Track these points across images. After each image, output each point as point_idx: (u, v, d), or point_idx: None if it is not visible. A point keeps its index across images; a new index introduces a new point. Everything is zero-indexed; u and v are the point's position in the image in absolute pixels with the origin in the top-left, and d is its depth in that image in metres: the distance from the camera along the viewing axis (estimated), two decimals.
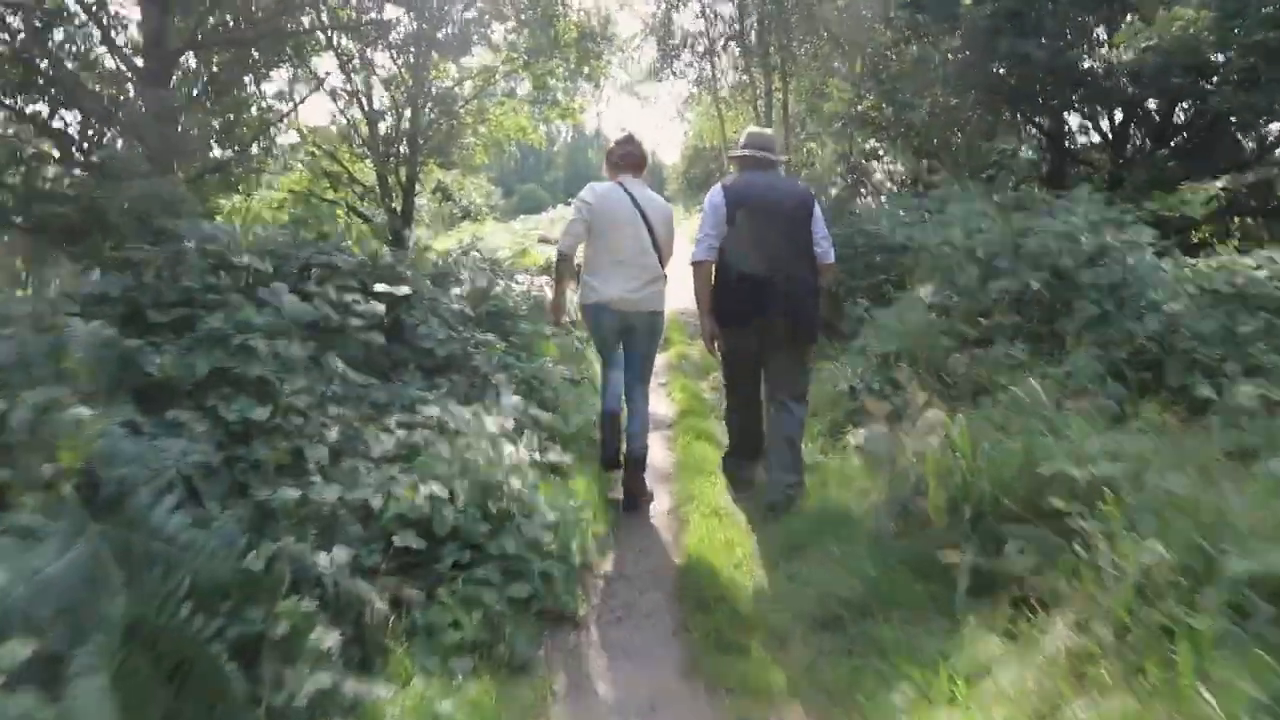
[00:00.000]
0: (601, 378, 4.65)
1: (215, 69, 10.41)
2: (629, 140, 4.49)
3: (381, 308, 3.69)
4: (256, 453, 2.44)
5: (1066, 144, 11.72)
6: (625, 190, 4.30)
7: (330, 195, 14.76)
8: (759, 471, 4.36)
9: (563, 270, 4.53)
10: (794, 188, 4.43)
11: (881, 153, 10.78)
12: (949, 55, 9.86)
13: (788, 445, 4.08)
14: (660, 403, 6.47)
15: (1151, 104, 11.20)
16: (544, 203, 45.34)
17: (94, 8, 6.91)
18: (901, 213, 7.62)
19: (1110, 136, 12.28)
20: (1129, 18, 8.63)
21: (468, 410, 3.90)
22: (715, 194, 4.16)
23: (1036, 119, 11.38)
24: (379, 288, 3.94)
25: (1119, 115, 11.67)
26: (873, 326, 5.79)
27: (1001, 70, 10.26)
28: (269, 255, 3.84)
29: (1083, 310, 4.78)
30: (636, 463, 4.35)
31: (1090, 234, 5.22)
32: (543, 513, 3.43)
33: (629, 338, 4.39)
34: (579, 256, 4.56)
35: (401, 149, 14.01)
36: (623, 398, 4.42)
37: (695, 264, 4.15)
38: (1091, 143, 12.17)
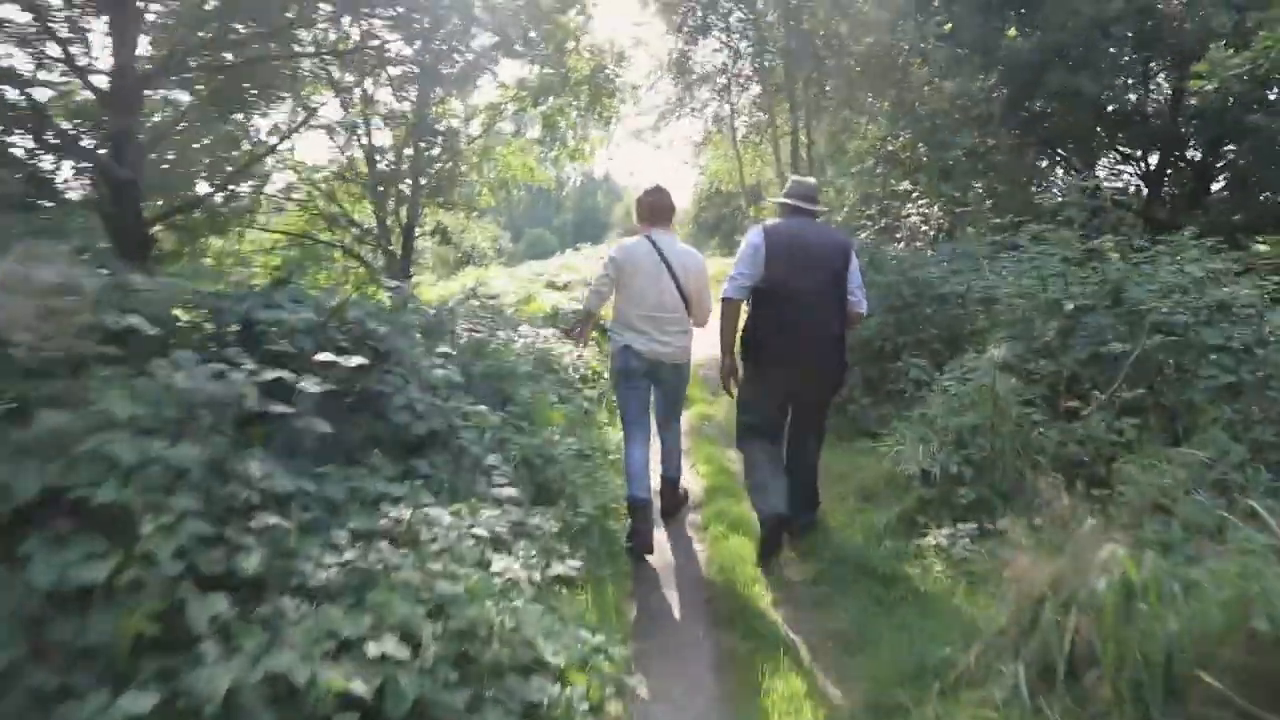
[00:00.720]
0: (625, 454, 4.51)
1: (199, 99, 9.70)
2: (657, 190, 4.57)
3: (315, 389, 2.80)
4: (93, 631, 1.56)
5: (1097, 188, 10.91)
6: (652, 243, 4.38)
7: (326, 237, 14.04)
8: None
9: (586, 321, 4.79)
10: (834, 236, 4.42)
11: (915, 195, 9.97)
12: (991, 93, 9.12)
13: (808, 479, 4.30)
14: (684, 477, 5.61)
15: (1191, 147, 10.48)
16: (552, 247, 44.83)
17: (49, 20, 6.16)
18: (946, 261, 6.77)
19: (1144, 180, 11.52)
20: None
21: (448, 511, 3.03)
22: (755, 235, 4.15)
23: (1070, 161, 10.63)
24: (321, 357, 3.06)
25: (1153, 159, 10.93)
26: (938, 392, 4.90)
27: (1045, 109, 9.53)
28: (196, 309, 3.00)
29: (1209, 378, 3.90)
30: (671, 482, 4.75)
31: (1197, 285, 4.37)
32: (543, 657, 2.54)
33: (656, 384, 4.50)
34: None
35: (401, 188, 13.30)
36: (649, 483, 4.39)
37: (725, 300, 4.12)
38: (1120, 187, 11.39)
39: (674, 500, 4.80)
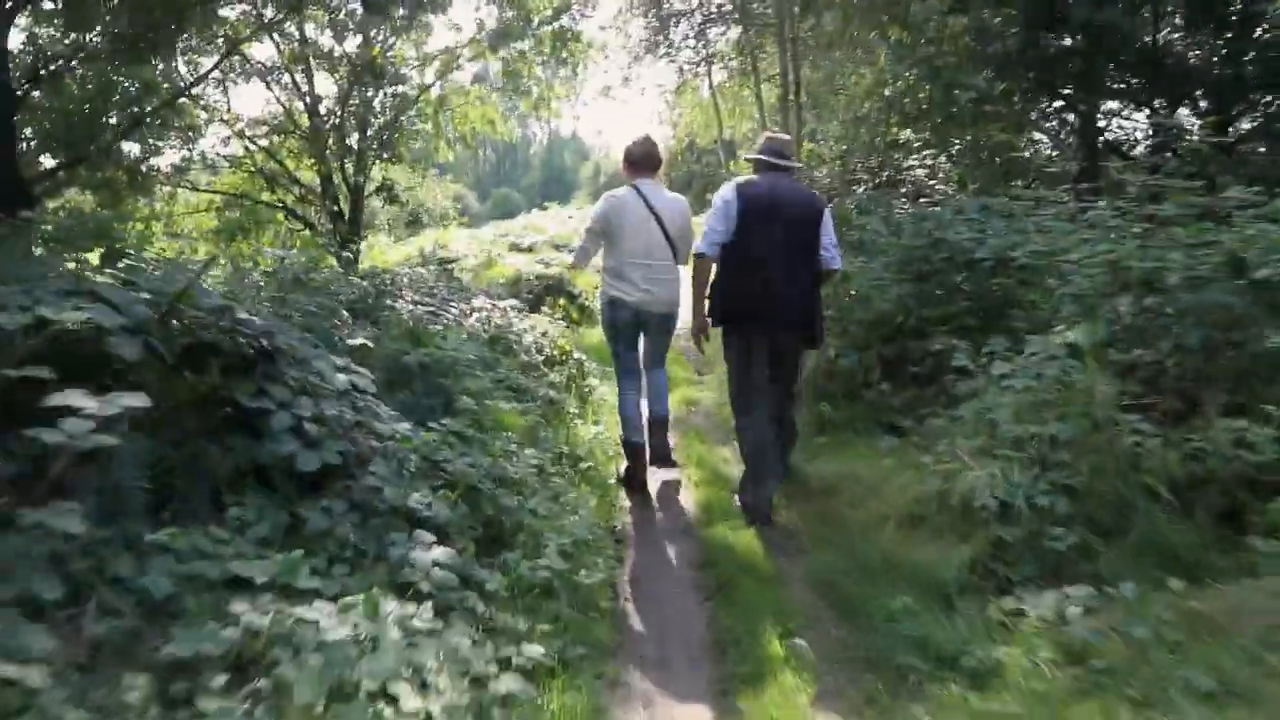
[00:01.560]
0: (619, 399, 4.79)
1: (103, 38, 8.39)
2: (647, 140, 4.71)
3: (83, 425, 1.70)
4: None
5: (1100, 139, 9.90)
6: (639, 194, 4.53)
7: (267, 197, 12.76)
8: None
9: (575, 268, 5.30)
10: (806, 194, 4.43)
11: (918, 145, 8.93)
12: (1008, 28, 8.05)
13: (788, 434, 4.31)
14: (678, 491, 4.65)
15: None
16: (520, 207, 43.67)
17: None
18: (978, 218, 5.76)
19: (1151, 131, 10.50)
20: None
21: (336, 605, 2.00)
22: (728, 191, 4.15)
23: (1079, 108, 9.58)
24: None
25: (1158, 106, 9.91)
26: (989, 383, 3.92)
27: (1069, 47, 8.48)
28: None
29: None
30: (661, 423, 4.75)
31: None
32: None
33: (645, 332, 4.68)
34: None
35: (348, 142, 12.04)
36: (643, 424, 4.68)
37: (698, 256, 4.20)
38: (1118, 139, 10.35)
39: (662, 439, 4.77)
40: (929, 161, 8.56)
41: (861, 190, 9.25)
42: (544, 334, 6.12)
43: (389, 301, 5.90)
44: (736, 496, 4.22)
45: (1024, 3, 7.96)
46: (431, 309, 6.17)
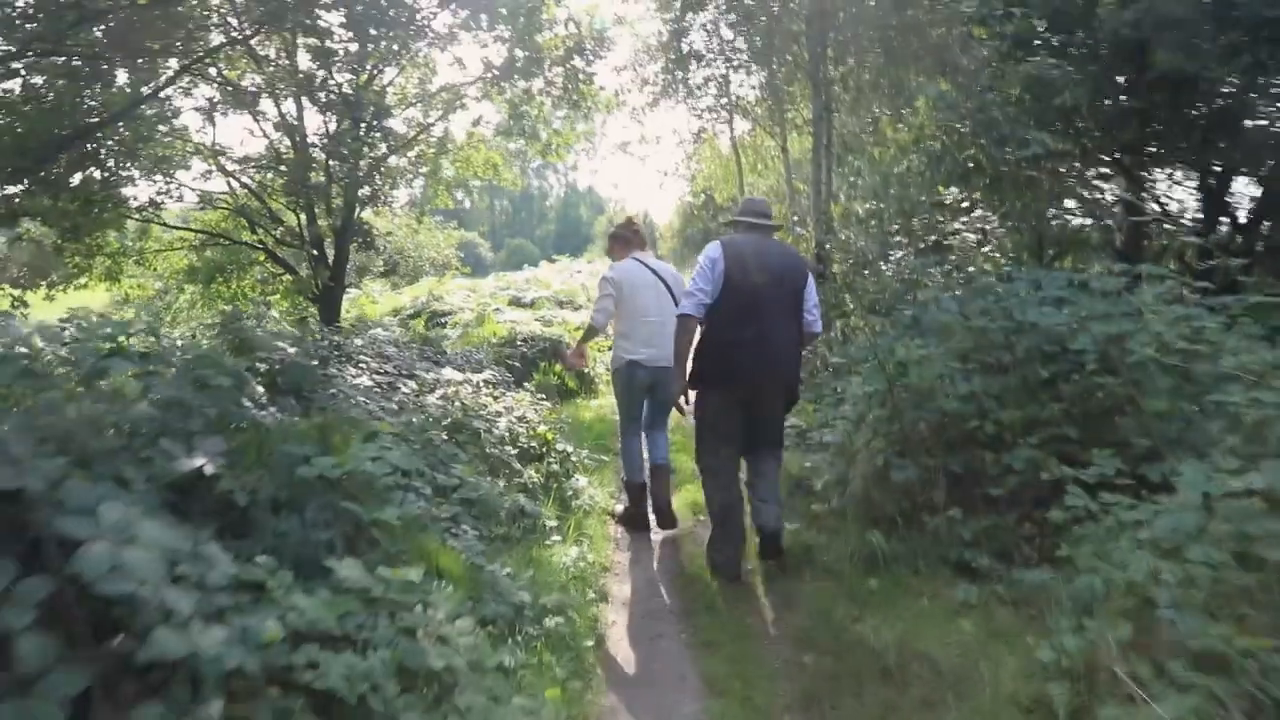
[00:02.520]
0: (623, 446, 4.97)
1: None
2: (633, 224, 5.29)
3: None
4: None
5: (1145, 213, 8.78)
6: (642, 262, 4.94)
7: (247, 237, 11.75)
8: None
9: (591, 338, 5.17)
10: (791, 253, 4.45)
11: (964, 205, 7.86)
12: (1076, 77, 7.03)
13: (771, 483, 4.12)
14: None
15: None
16: (534, 258, 43.04)
17: None
18: (1064, 296, 4.62)
19: (1204, 210, 9.36)
20: None
21: None
22: (714, 250, 4.08)
23: (1134, 173, 8.48)
24: None
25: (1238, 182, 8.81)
26: (1125, 540, 2.76)
27: (1144, 101, 7.43)
28: None
29: None
30: (660, 469, 4.89)
31: None
32: None
33: (653, 392, 4.86)
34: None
35: (333, 181, 11.03)
36: (647, 467, 4.93)
37: (683, 316, 4.09)
38: (1161, 213, 9.21)
39: (663, 488, 4.84)
40: (980, 226, 7.47)
41: (900, 255, 8.17)
42: (521, 418, 4.98)
43: (334, 370, 4.80)
44: (706, 556, 4.16)
45: (1099, 51, 6.95)
46: (389, 379, 5.07)
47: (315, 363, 4.47)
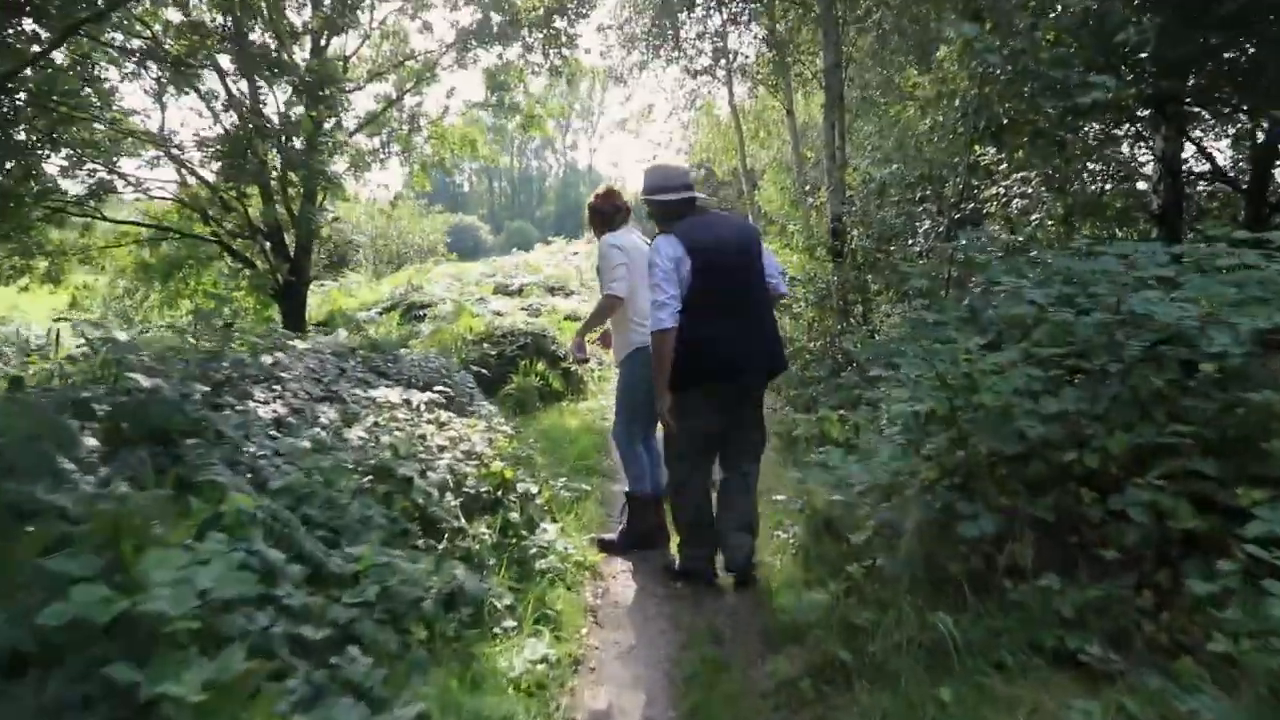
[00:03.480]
0: (626, 454, 4.31)
1: None
2: (616, 196, 4.51)
3: None
4: None
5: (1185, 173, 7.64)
6: (632, 236, 4.34)
7: (199, 230, 10.70)
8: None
9: (606, 316, 4.27)
10: (737, 222, 4.21)
11: (1002, 166, 6.75)
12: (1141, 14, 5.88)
13: (747, 507, 3.87)
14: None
15: None
16: (534, 240, 42.01)
17: None
18: (1161, 271, 3.50)
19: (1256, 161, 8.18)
20: None
21: None
22: (671, 246, 3.58)
23: (1184, 129, 7.32)
24: None
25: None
26: None
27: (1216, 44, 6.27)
28: None
29: None
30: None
31: None
32: None
33: None
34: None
35: (289, 162, 9.94)
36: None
37: (660, 332, 3.55)
38: (1199, 173, 8.05)
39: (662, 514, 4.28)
40: (1026, 190, 6.36)
41: (924, 228, 7.05)
42: (469, 453, 3.88)
43: (229, 397, 3.76)
44: (670, 569, 3.98)
45: None
46: (308, 403, 4.03)
47: (197, 395, 3.40)
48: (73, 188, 9.75)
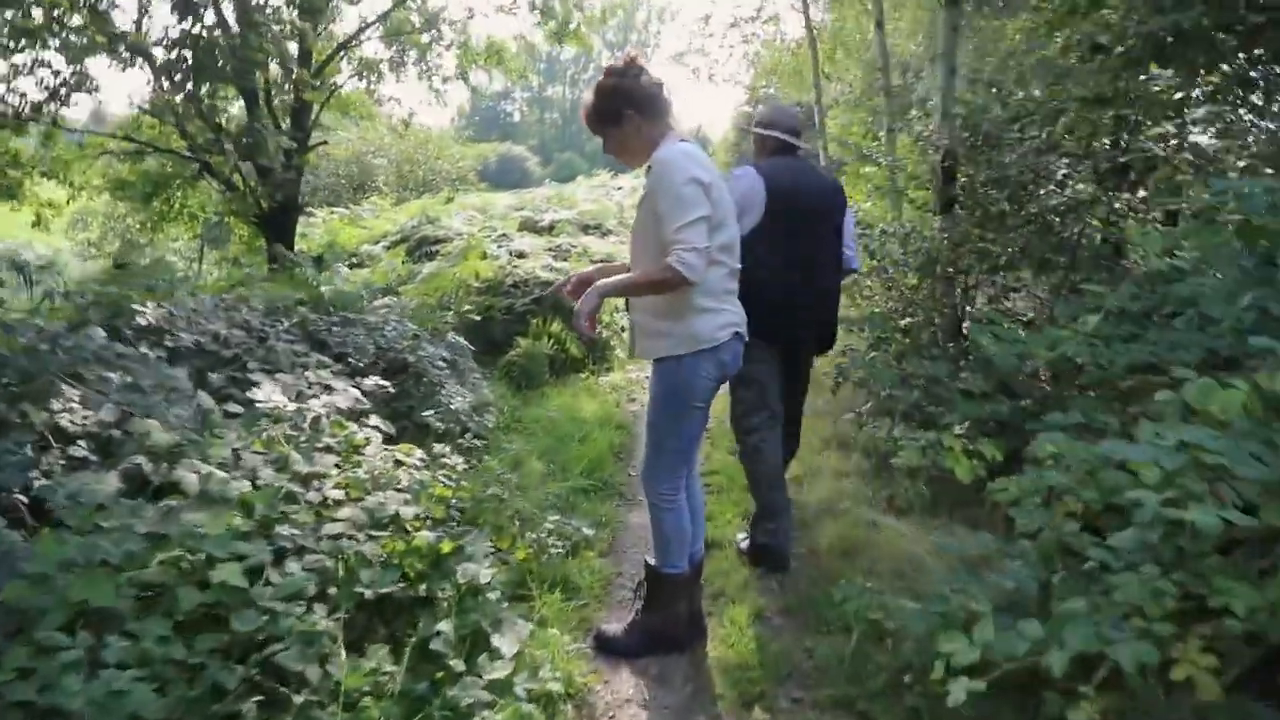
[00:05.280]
0: (663, 512, 2.69)
1: None
2: (649, 77, 2.62)
3: None
4: None
5: None
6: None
7: (177, 145, 9.25)
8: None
9: (660, 292, 2.52)
10: (829, 182, 3.66)
11: (1178, 96, 4.93)
12: None
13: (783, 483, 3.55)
14: None
15: None
16: (583, 171, 40.21)
17: None
18: None
19: None
20: None
21: None
22: (751, 179, 3.29)
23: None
24: None
25: None
26: None
27: None
28: None
29: None
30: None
31: None
32: None
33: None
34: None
35: (280, 65, 8.41)
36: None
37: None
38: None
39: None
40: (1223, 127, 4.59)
41: (1062, 174, 5.26)
42: (375, 518, 2.35)
43: (58, 380, 2.31)
44: (744, 542, 3.56)
45: None
46: (117, 420, 2.56)
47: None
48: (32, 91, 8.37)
